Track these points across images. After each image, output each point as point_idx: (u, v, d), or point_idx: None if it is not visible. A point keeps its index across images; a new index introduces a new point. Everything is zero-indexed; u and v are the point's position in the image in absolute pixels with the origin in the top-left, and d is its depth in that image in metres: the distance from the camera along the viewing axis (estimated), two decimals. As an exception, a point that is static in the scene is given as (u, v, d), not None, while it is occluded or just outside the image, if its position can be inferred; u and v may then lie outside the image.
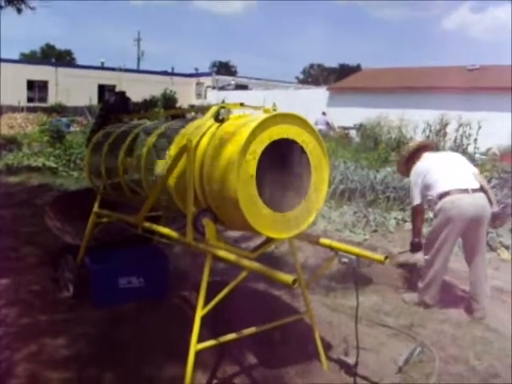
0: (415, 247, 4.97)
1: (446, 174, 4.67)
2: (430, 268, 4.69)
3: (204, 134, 3.12)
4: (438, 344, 4.01)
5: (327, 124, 21.77)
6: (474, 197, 4.48)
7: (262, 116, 2.97)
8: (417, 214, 4.92)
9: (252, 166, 2.84)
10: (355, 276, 3.24)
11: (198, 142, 3.09)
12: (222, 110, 3.12)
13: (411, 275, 5.45)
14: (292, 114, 3.04)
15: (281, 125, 2.96)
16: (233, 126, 3.02)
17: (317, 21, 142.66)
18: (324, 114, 22.66)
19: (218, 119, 3.09)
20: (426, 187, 4.70)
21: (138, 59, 57.68)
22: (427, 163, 4.83)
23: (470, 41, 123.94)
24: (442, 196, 4.54)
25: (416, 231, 4.97)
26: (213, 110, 3.17)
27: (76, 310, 4.34)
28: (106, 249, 4.73)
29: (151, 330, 3.96)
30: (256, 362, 3.62)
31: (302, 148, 3.08)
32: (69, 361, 3.55)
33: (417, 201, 4.81)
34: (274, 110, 3.31)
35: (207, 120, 3.17)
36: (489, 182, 8.90)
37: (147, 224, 3.80)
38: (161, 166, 3.42)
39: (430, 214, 5.90)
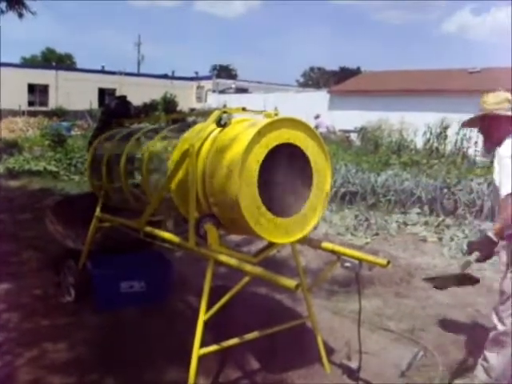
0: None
1: None
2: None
3: (206, 138, 3.13)
4: (441, 348, 4.00)
5: (327, 127, 21.52)
6: None
7: (263, 121, 2.96)
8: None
9: (254, 171, 2.83)
10: (358, 280, 3.23)
11: (200, 147, 3.09)
12: (224, 115, 3.13)
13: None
14: (293, 118, 3.04)
15: (282, 129, 2.95)
16: (235, 130, 3.02)
17: (316, 23, 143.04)
18: (318, 116, 21.87)
19: (220, 124, 3.10)
20: None
21: (139, 63, 57.78)
22: None
23: (471, 43, 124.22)
24: None
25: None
26: (215, 114, 3.17)
27: (78, 315, 4.34)
28: (107, 253, 4.73)
29: (153, 335, 3.96)
30: (258, 366, 3.62)
31: (303, 152, 3.08)
32: (70, 365, 3.55)
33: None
34: (276, 114, 3.31)
35: (209, 125, 3.17)
36: (490, 185, 8.89)
37: (149, 228, 3.80)
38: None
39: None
